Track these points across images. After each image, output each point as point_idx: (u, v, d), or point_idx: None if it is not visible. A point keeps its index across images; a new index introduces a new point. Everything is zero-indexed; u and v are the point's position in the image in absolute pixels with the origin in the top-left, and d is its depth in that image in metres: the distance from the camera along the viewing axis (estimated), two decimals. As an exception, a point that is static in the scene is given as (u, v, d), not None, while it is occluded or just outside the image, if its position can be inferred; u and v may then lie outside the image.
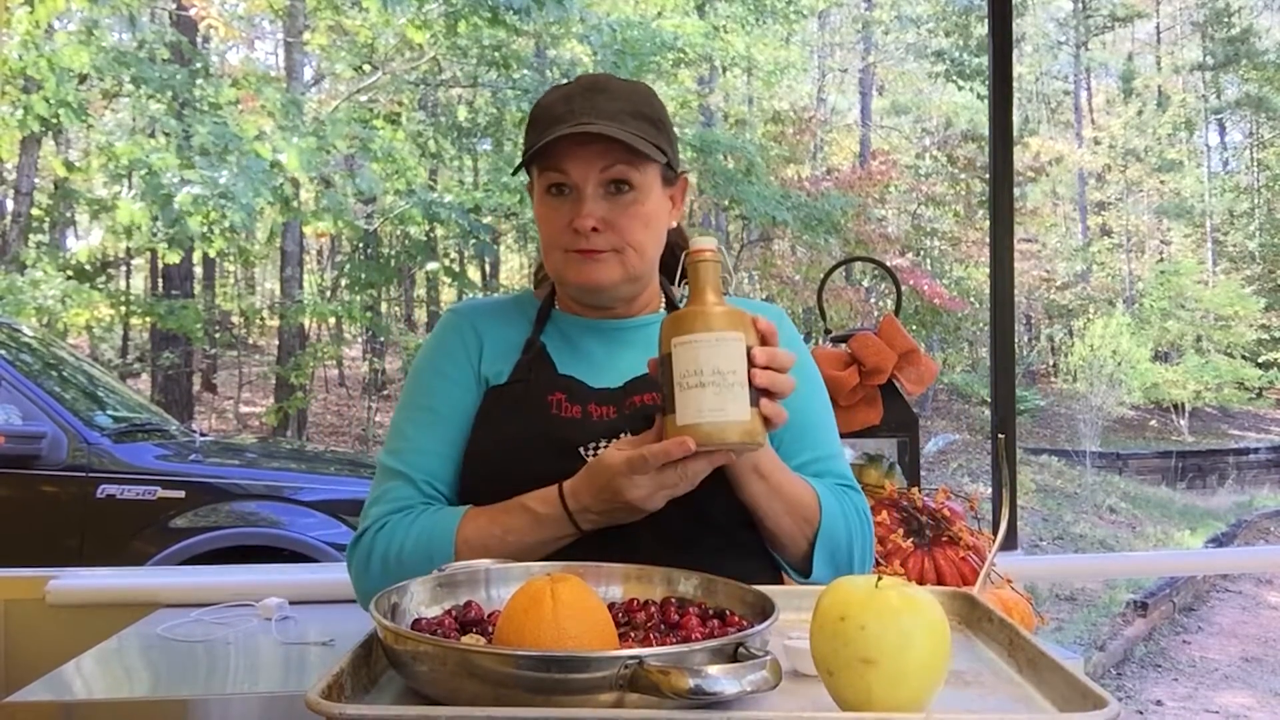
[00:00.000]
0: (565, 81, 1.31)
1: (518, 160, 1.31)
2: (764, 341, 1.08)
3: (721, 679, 0.74)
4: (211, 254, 10.87)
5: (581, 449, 1.22)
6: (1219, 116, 24.51)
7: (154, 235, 9.05)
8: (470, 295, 12.40)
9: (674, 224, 1.33)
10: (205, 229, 8.77)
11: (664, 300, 1.38)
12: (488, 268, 15.83)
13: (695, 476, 1.09)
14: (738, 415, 1.02)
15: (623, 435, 1.22)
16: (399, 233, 12.72)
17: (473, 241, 11.66)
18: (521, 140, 1.35)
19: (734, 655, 0.81)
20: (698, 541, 1.18)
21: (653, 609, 0.98)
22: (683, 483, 1.09)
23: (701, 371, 1.02)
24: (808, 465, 1.29)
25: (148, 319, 11.59)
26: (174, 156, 8.73)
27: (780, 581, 1.31)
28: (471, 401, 1.29)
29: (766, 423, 1.05)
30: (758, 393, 1.05)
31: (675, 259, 1.36)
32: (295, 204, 9.69)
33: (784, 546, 1.24)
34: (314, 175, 9.55)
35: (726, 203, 14.17)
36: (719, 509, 1.21)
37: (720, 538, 1.22)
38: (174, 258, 9.39)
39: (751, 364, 1.04)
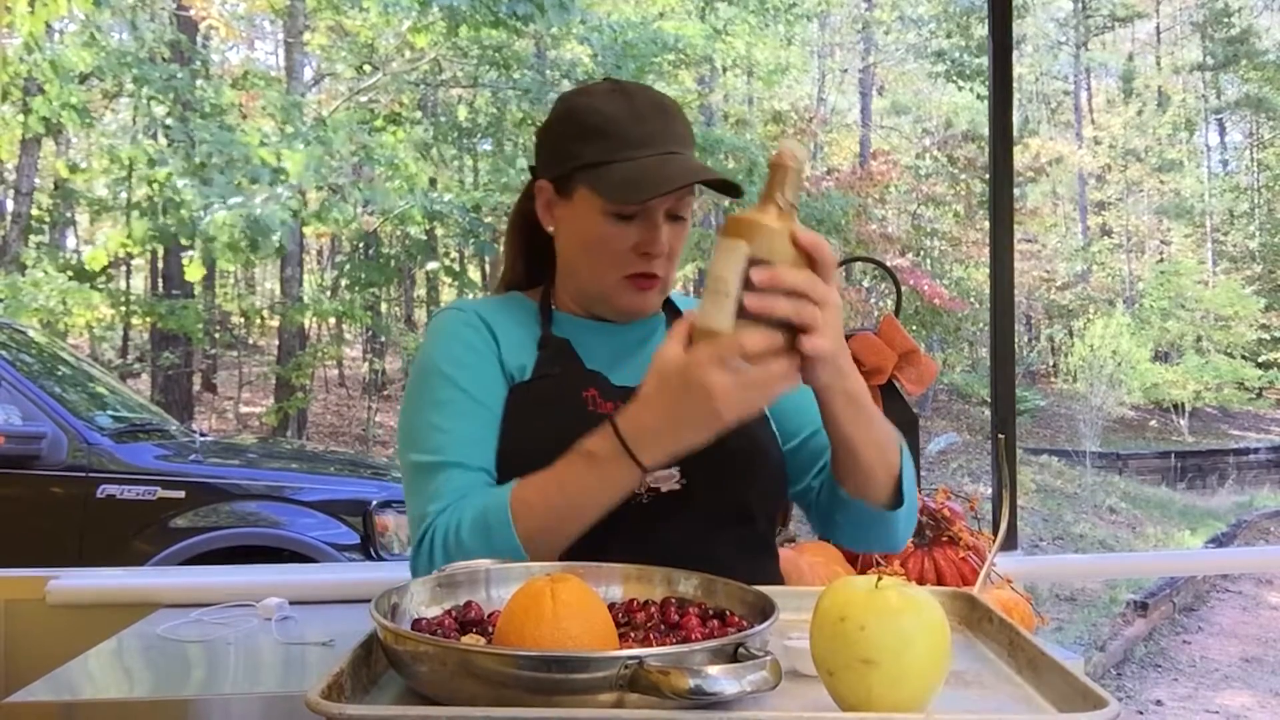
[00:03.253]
0: (604, 83, 1.28)
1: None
2: (809, 259, 0.98)
3: (721, 679, 0.74)
4: (229, 268, 10.89)
5: None
6: (1219, 117, 24.52)
7: (157, 238, 9.08)
8: (469, 295, 12.41)
9: None
10: (228, 244, 8.80)
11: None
12: (488, 267, 15.84)
13: (774, 380, 0.97)
14: (718, 323, 0.97)
15: None
16: (399, 232, 12.73)
17: (473, 241, 11.68)
18: (562, 145, 1.27)
19: (734, 655, 0.81)
20: (730, 529, 1.20)
21: (653, 609, 0.98)
22: (763, 386, 0.98)
23: (710, 274, 0.99)
24: (812, 437, 1.28)
25: (148, 319, 11.60)
26: (184, 162, 8.75)
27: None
28: (502, 391, 1.24)
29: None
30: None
31: None
32: (301, 211, 9.70)
33: (875, 482, 1.18)
34: (321, 185, 9.57)
35: (728, 204, 14.16)
36: (758, 502, 1.23)
37: (753, 527, 1.23)
38: (196, 274, 9.39)
39: (747, 280, 0.97)
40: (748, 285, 0.96)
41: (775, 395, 0.99)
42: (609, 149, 1.20)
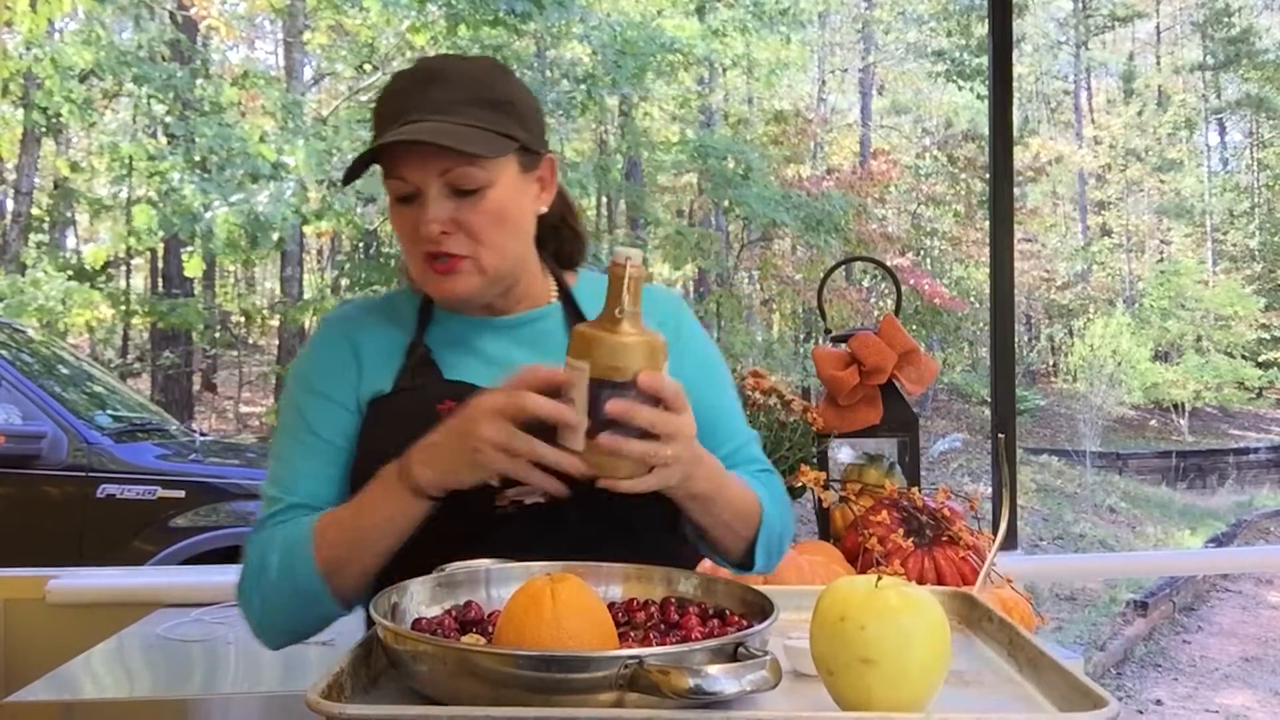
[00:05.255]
0: (408, 69, 1.21)
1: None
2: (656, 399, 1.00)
3: (721, 679, 0.74)
4: (230, 267, 10.89)
5: None
6: (1219, 116, 24.52)
7: (159, 235, 9.09)
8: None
9: (543, 208, 1.23)
10: (228, 241, 8.81)
11: (556, 288, 1.28)
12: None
13: (535, 453, 0.98)
14: (573, 444, 0.98)
15: None
16: (399, 232, 12.71)
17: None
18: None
19: (734, 655, 0.81)
20: (613, 544, 1.11)
21: (652, 609, 0.98)
22: (526, 454, 0.99)
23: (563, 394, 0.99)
24: (725, 458, 1.24)
25: (148, 319, 11.61)
26: (184, 160, 8.76)
27: None
28: (351, 423, 1.20)
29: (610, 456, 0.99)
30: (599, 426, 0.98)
31: (566, 242, 1.29)
32: (302, 210, 9.72)
33: (726, 549, 1.20)
34: (322, 179, 9.58)
35: (726, 204, 14.18)
36: (638, 515, 1.15)
37: (637, 541, 1.15)
38: (195, 269, 9.38)
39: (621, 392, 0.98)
40: (594, 409, 0.97)
41: (536, 478, 1.00)
42: (376, 132, 1.15)
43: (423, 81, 1.15)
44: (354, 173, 1.15)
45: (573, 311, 1.26)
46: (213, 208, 8.39)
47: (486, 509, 1.12)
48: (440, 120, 1.11)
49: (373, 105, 1.19)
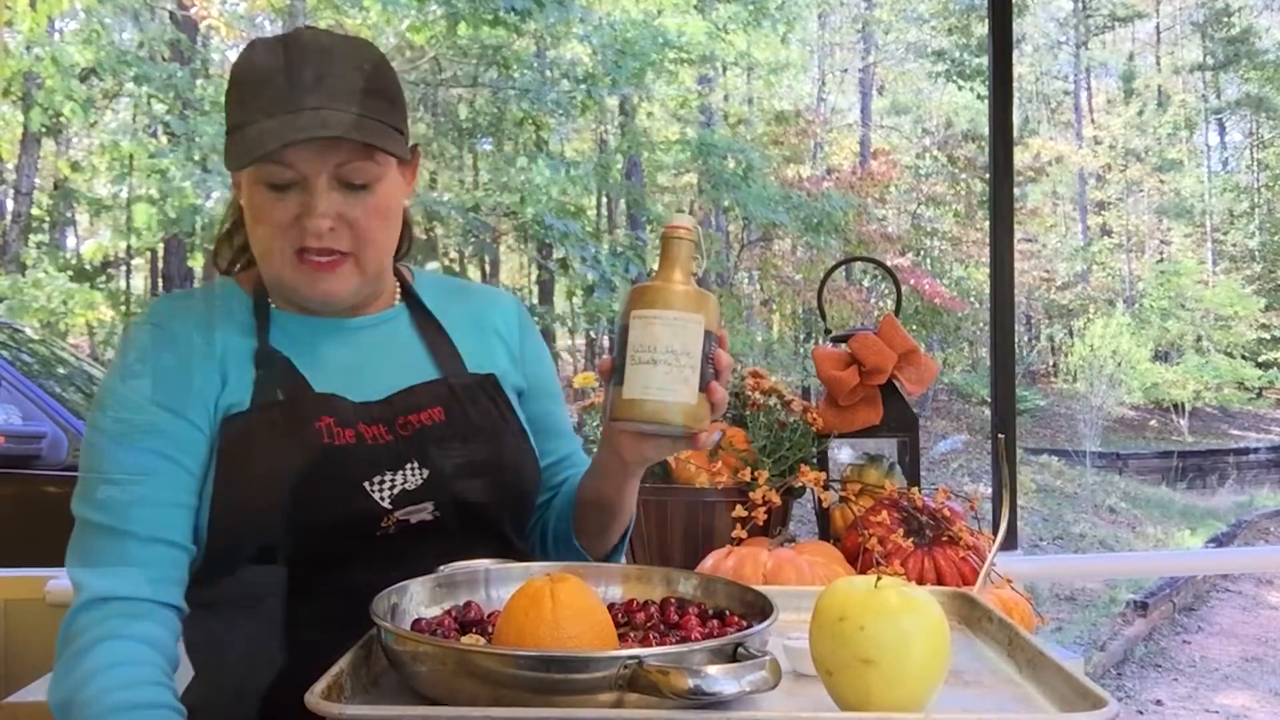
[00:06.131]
0: (272, 37, 1.08)
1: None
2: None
3: (721, 679, 0.74)
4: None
5: (366, 484, 1.06)
6: (1219, 116, 24.50)
7: (159, 234, 9.10)
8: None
9: (408, 201, 1.17)
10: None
11: (400, 289, 1.22)
12: (488, 267, 15.84)
13: None
14: (684, 397, 0.98)
15: (409, 466, 1.08)
16: (399, 232, 12.72)
17: (473, 241, 11.68)
18: (225, 111, 1.09)
19: (733, 655, 0.81)
20: (482, 550, 1.08)
21: (652, 609, 0.98)
22: None
23: (655, 348, 0.97)
24: (567, 459, 1.28)
25: (148, 319, 11.62)
26: (184, 158, 8.78)
27: None
28: (205, 445, 1.06)
29: (711, 409, 1.01)
30: (710, 378, 0.99)
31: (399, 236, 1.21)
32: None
33: (605, 539, 1.20)
34: None
35: (726, 204, 14.18)
36: (507, 520, 1.17)
37: (501, 545, 1.16)
38: (197, 261, 9.41)
39: (719, 347, 1.01)
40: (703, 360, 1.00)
41: None
42: (246, 109, 1.04)
43: (311, 60, 1.04)
44: (249, 157, 1.03)
45: (420, 313, 1.20)
46: (213, 196, 8.40)
47: (371, 530, 1.08)
48: (344, 110, 1.03)
49: (239, 75, 1.06)
